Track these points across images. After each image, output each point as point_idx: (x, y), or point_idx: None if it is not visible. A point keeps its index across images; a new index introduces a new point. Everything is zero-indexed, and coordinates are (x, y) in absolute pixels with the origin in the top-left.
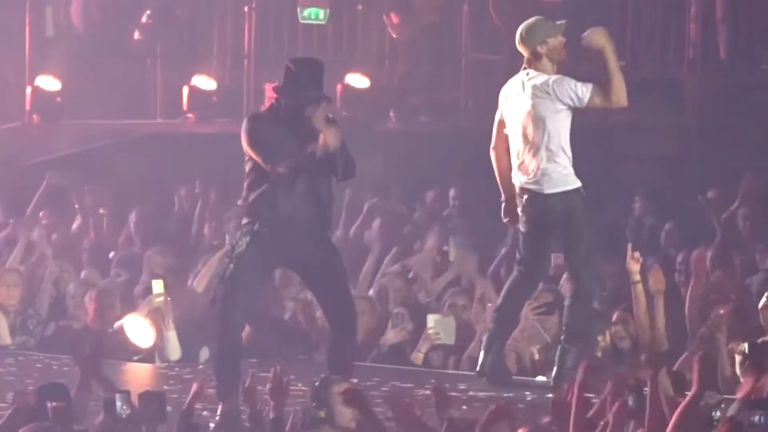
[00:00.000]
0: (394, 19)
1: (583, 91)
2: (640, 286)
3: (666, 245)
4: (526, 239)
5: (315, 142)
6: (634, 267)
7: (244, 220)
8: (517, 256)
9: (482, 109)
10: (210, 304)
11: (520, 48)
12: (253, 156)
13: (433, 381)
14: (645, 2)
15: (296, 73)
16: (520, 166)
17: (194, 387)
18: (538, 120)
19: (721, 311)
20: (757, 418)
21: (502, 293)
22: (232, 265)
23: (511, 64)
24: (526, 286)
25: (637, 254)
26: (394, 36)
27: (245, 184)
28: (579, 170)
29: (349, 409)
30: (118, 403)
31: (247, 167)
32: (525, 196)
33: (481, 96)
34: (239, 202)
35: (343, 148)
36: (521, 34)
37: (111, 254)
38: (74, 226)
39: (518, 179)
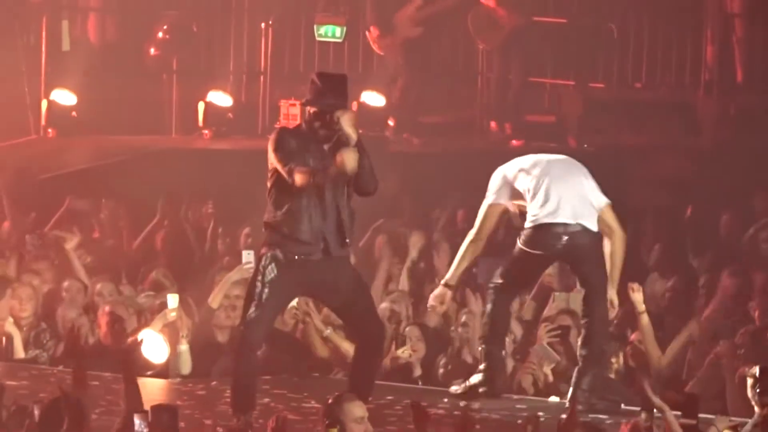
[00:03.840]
0: (374, 32)
1: None
2: (645, 316)
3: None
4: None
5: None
6: (637, 297)
7: (269, 240)
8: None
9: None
10: (240, 323)
11: None
12: (275, 163)
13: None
14: (661, 24)
15: (320, 85)
16: None
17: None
18: None
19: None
20: None
21: (490, 309)
22: (266, 290)
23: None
24: (510, 295)
25: (636, 285)
26: (377, 50)
27: (269, 201)
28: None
29: (362, 427)
30: (137, 423)
31: (270, 182)
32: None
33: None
34: (265, 218)
35: (366, 163)
36: None
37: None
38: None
39: None
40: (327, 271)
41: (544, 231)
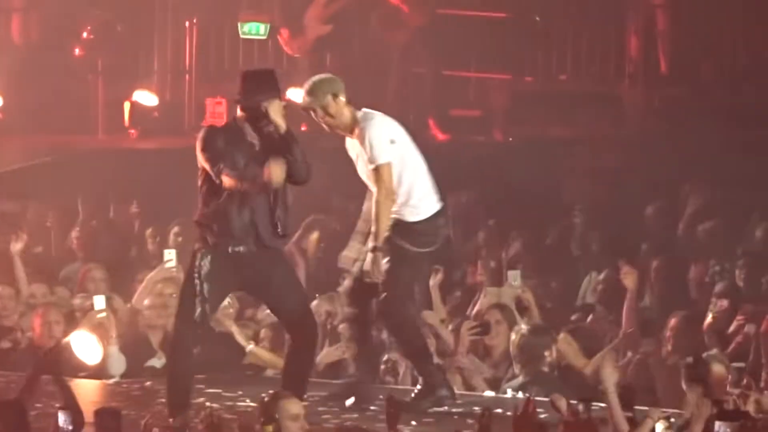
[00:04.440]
0: (285, 34)
1: None
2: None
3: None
4: None
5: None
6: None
7: (202, 237)
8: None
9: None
10: (176, 321)
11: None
12: (203, 163)
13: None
14: (585, 16)
15: (249, 82)
16: None
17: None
18: None
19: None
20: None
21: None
22: (204, 285)
23: None
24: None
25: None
26: (290, 52)
27: (200, 199)
28: (522, 184)
29: (297, 424)
30: (61, 418)
31: (200, 180)
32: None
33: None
34: (195, 218)
35: (297, 152)
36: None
37: None
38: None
39: None
40: (260, 263)
41: (431, 223)
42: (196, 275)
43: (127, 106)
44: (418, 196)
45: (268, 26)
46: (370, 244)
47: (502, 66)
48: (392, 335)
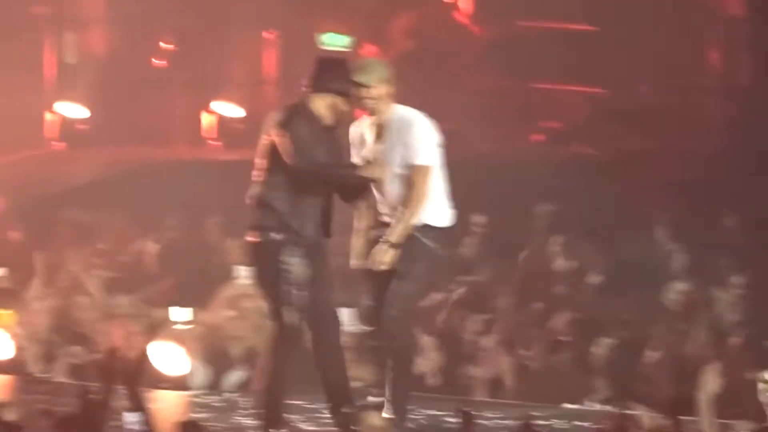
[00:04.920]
0: (368, 48)
1: None
2: None
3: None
4: None
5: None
6: None
7: (270, 227)
8: None
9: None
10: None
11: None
12: (286, 148)
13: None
14: (665, 29)
15: (323, 66)
16: None
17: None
18: None
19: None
20: None
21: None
22: (290, 270)
23: None
24: None
25: None
26: None
27: (265, 187)
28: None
29: None
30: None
31: (265, 167)
32: None
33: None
34: (259, 197)
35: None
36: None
37: None
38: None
39: None
40: (321, 256)
41: (446, 234)
42: (281, 263)
43: (206, 117)
44: (443, 204)
45: (349, 38)
46: (390, 238)
47: (583, 79)
48: (391, 338)
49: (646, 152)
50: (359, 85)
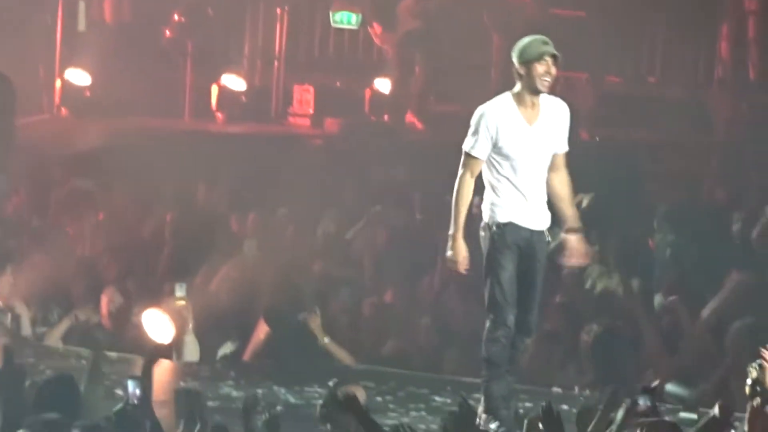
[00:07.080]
0: (377, 29)
1: None
2: None
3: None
4: None
5: None
6: None
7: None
8: None
9: None
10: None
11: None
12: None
13: None
14: (676, 20)
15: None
16: None
17: None
18: None
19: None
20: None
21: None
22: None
23: None
24: None
25: None
26: (379, 44)
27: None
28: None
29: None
30: (131, 385)
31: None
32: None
33: None
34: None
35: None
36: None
37: None
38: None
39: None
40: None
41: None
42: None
43: (215, 89)
44: None
45: (360, 16)
46: (577, 224)
47: (589, 65)
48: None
49: (650, 141)
50: (552, 56)
